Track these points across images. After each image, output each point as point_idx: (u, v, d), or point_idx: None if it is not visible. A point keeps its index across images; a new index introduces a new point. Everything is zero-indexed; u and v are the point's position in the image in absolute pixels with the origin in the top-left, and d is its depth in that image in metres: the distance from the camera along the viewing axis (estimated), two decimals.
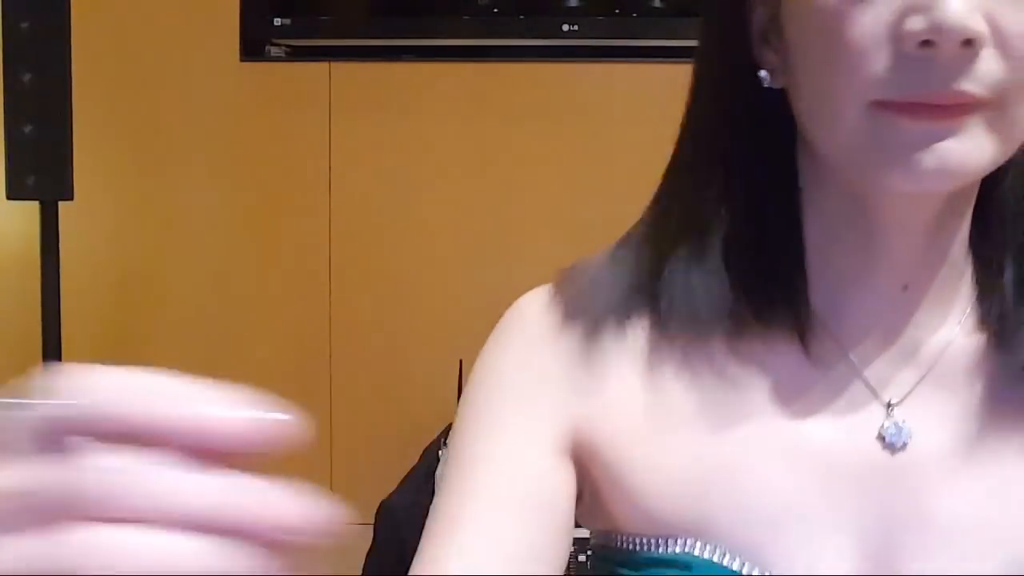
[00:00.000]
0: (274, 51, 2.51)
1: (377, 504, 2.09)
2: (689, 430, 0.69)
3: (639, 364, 0.70)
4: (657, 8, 2.36)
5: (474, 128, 2.51)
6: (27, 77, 2.00)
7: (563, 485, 0.69)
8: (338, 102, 2.50)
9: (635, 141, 2.52)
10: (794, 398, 0.70)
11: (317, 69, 2.49)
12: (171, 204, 2.53)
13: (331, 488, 2.50)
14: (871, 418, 0.70)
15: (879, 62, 0.60)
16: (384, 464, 2.38)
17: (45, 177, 2.04)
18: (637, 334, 0.71)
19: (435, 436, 2.28)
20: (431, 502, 2.20)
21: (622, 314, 0.71)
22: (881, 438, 0.70)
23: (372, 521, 2.09)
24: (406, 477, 2.16)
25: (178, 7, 2.49)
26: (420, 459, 2.23)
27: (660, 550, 0.69)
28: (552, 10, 2.36)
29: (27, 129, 2.01)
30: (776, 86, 0.68)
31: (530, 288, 0.78)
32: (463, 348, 2.39)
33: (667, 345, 0.70)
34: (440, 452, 2.08)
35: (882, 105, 0.61)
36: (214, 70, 2.49)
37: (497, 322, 0.79)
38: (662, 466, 0.69)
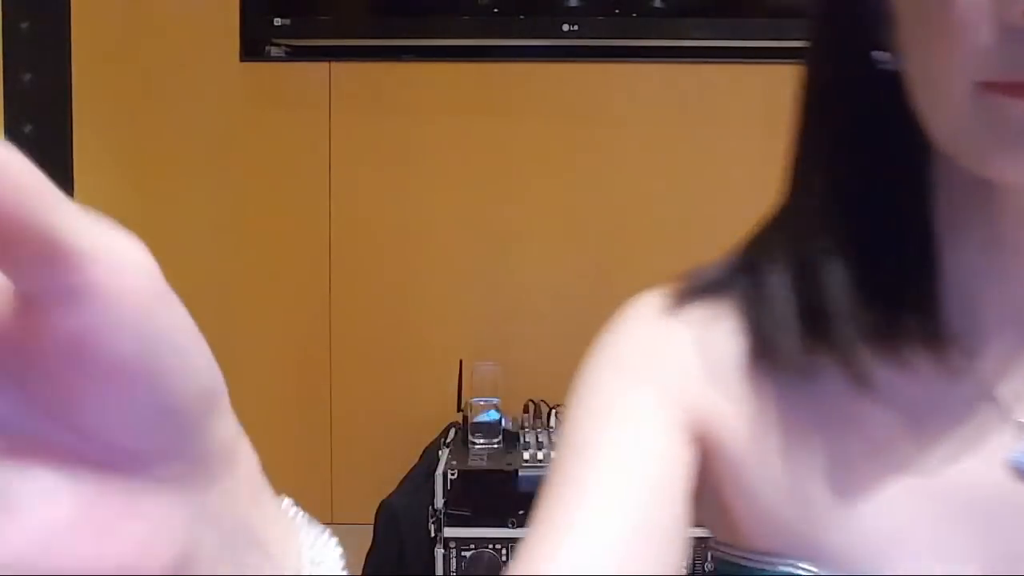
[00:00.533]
0: (274, 51, 2.51)
1: (377, 504, 2.09)
2: (805, 445, 0.64)
3: (764, 371, 0.65)
4: (657, 8, 2.36)
5: (474, 128, 2.51)
6: (27, 77, 2.01)
7: (685, 467, 0.65)
8: (338, 102, 2.50)
9: (635, 141, 2.52)
10: (916, 415, 0.63)
11: (317, 69, 2.49)
12: (171, 204, 2.53)
13: (331, 488, 2.50)
14: (1001, 441, 0.62)
15: (983, 38, 0.53)
16: (384, 464, 2.38)
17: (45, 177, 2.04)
18: (763, 339, 0.65)
19: (435, 436, 2.28)
20: (431, 502, 2.18)
21: (753, 320, 0.66)
22: (1013, 465, 0.61)
23: (372, 521, 2.09)
24: (406, 477, 2.16)
25: (178, 7, 2.49)
26: (420, 459, 2.22)
27: (767, 568, 0.64)
28: (552, 10, 2.36)
29: (27, 129, 2.02)
30: (894, 68, 0.61)
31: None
32: (463, 348, 2.39)
33: (773, 340, 0.65)
34: (440, 452, 2.08)
35: (988, 86, 0.54)
36: (214, 70, 2.49)
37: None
38: (775, 480, 0.65)
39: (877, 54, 0.62)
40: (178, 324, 0.29)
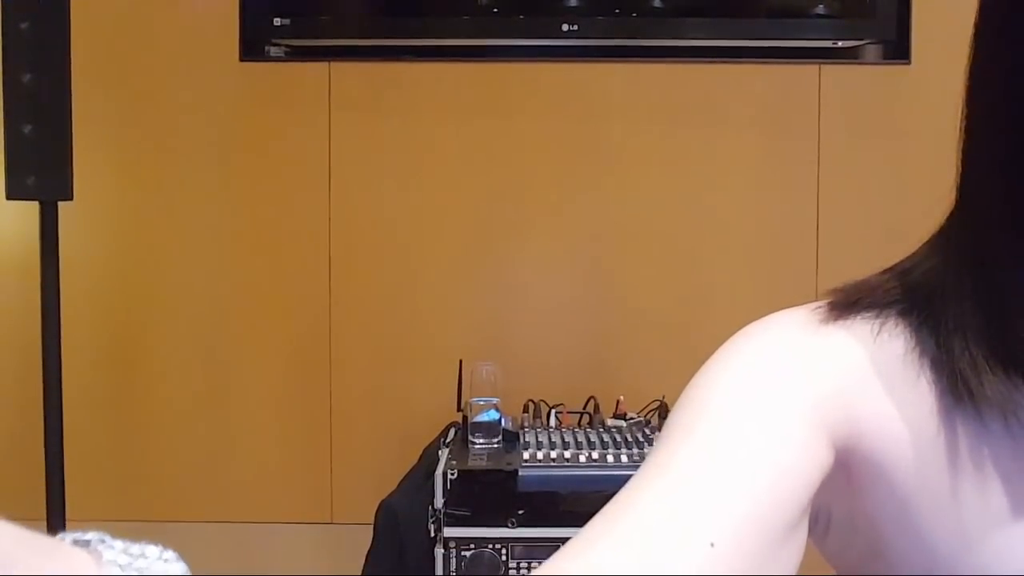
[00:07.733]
0: (274, 51, 2.51)
1: (377, 504, 2.09)
2: (981, 484, 0.58)
3: (949, 404, 0.59)
4: (657, 8, 2.36)
5: (474, 128, 2.51)
6: (27, 77, 2.00)
7: (821, 467, 0.58)
8: (338, 102, 2.50)
9: (634, 141, 2.52)
10: None
11: (317, 69, 2.50)
12: (171, 204, 2.53)
13: (331, 488, 2.50)
14: None
15: None
16: (384, 464, 2.38)
17: (45, 177, 2.04)
18: (959, 377, 0.58)
19: (435, 436, 2.28)
20: (431, 502, 2.17)
21: (940, 352, 0.59)
22: None
23: (372, 521, 2.09)
24: (406, 477, 2.16)
25: (178, 7, 2.49)
26: (420, 459, 2.22)
27: None
28: (552, 10, 2.36)
29: (27, 129, 2.01)
30: None
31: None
32: (463, 348, 2.39)
33: (969, 381, 0.58)
34: (440, 452, 2.08)
35: None
36: (214, 70, 2.49)
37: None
38: (943, 516, 0.58)
39: None
40: None
